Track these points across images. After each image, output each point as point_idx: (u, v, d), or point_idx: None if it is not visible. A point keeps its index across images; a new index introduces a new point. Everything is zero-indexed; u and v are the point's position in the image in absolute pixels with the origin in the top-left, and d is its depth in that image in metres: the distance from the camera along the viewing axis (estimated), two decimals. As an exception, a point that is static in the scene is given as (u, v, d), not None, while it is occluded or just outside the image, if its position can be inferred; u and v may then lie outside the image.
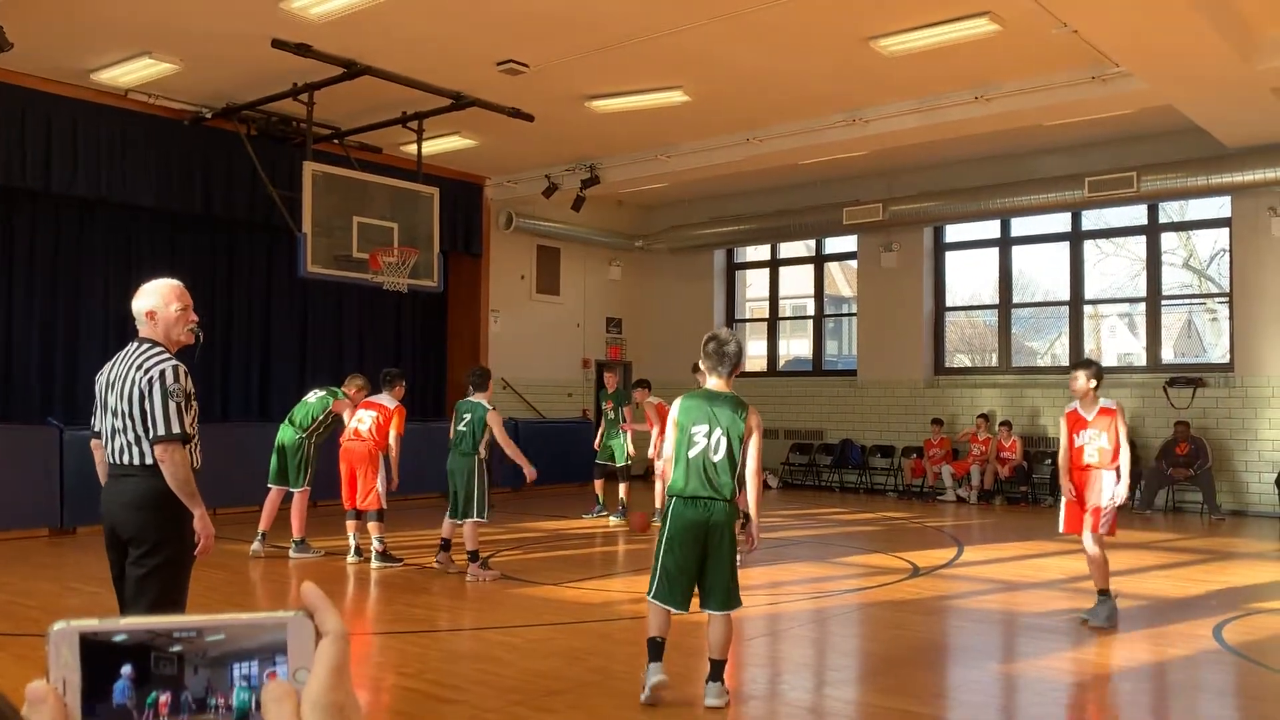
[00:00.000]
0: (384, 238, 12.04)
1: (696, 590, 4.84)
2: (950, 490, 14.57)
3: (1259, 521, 12.39)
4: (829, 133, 12.51)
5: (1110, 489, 6.56)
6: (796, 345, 20.29)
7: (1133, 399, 13.92)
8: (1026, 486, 14.21)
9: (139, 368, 3.83)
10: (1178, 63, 9.46)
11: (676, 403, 5.04)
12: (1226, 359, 13.59)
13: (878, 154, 13.89)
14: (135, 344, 3.93)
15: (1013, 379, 15.16)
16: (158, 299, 3.92)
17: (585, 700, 4.96)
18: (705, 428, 4.81)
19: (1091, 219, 14.98)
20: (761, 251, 18.34)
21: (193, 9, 9.27)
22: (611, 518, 11.78)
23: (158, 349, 3.88)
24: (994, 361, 16.06)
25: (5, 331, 11.71)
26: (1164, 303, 14.57)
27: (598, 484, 12.30)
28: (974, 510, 13.41)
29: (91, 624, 0.65)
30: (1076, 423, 6.70)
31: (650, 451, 11.14)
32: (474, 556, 8.13)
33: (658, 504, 10.00)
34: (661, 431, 9.46)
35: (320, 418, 9.29)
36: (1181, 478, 12.82)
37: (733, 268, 18.59)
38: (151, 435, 3.79)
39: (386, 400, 8.95)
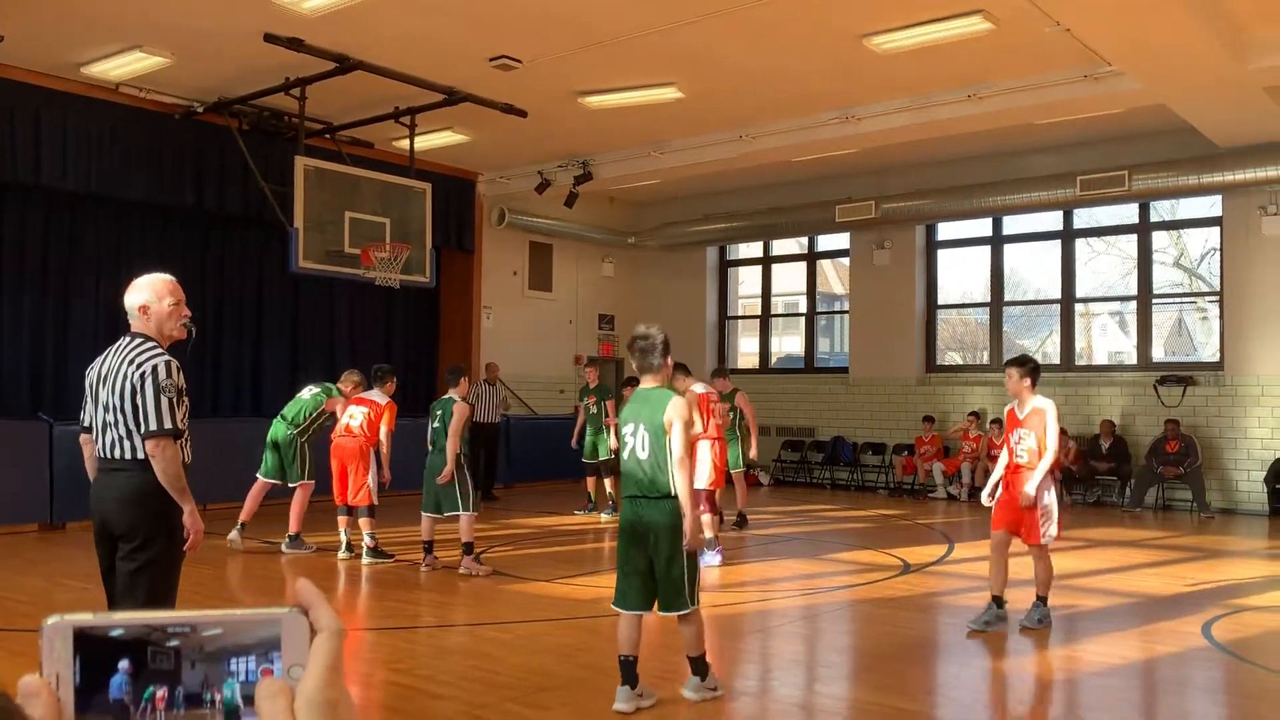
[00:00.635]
0: (376, 233, 12.02)
1: None
2: (941, 488, 14.60)
3: (1248, 519, 12.45)
4: (822, 130, 12.52)
5: (1043, 494, 6.29)
6: (789, 342, 20.33)
7: (1123, 397, 13.98)
8: (1017, 484, 14.23)
9: (131, 362, 3.82)
10: (1169, 62, 9.49)
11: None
12: (1216, 357, 13.64)
13: (870, 152, 13.90)
14: (127, 338, 3.92)
15: (1003, 377, 15.17)
16: (151, 294, 3.91)
17: (576, 696, 4.97)
18: (631, 426, 4.78)
19: (1083, 217, 15.02)
20: (754, 249, 18.35)
21: (184, 2, 9.23)
22: (603, 514, 11.79)
23: (150, 344, 3.87)
24: (985, 359, 16.10)
25: (-5, 326, 11.67)
26: (1155, 301, 14.61)
27: (589, 481, 12.31)
28: (964, 508, 13.43)
29: (85, 618, 0.65)
30: (1012, 422, 6.53)
31: None
32: (468, 549, 8.13)
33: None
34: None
35: (313, 414, 9.28)
36: (1171, 476, 12.87)
37: (725, 265, 18.59)
38: (143, 430, 3.78)
39: (377, 396, 8.94)
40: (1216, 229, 13.74)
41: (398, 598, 7.43)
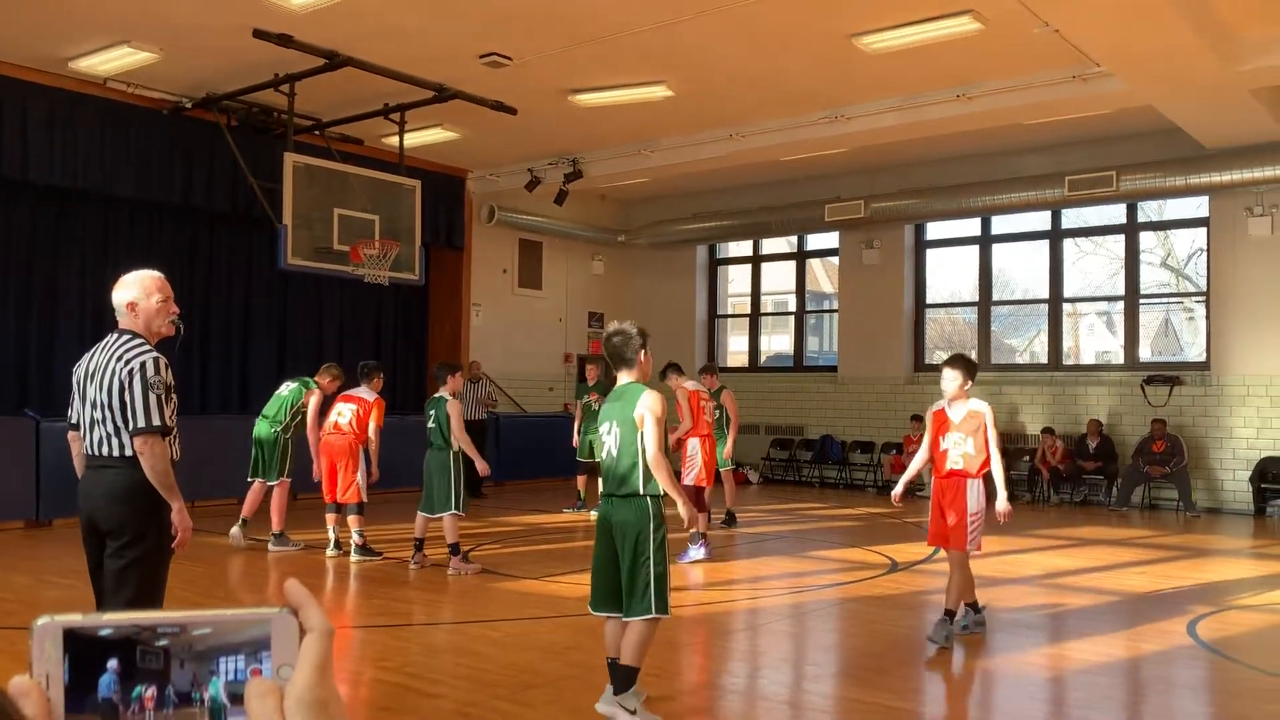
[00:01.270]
0: (365, 230, 11.99)
1: None
2: (928, 486, 14.61)
3: (1233, 519, 12.52)
4: (811, 129, 12.53)
5: (975, 500, 5.91)
6: (778, 341, 20.34)
7: (1110, 396, 14.04)
8: (1004, 483, 14.29)
9: (119, 359, 3.81)
10: (1157, 63, 9.53)
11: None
12: (1203, 357, 13.71)
13: (860, 151, 13.92)
14: (115, 335, 3.90)
15: (991, 376, 15.23)
16: (139, 290, 3.89)
17: (565, 694, 4.97)
18: (607, 425, 4.68)
19: (1071, 218, 15.08)
20: (744, 247, 18.37)
21: (173, -2, 9.19)
22: (592, 512, 11.76)
23: (138, 340, 3.86)
24: (973, 359, 16.12)
25: (-19, 322, 11.61)
26: (1142, 301, 14.68)
27: (580, 479, 12.30)
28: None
29: (75, 619, 0.66)
30: (942, 424, 6.08)
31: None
32: (455, 549, 8.12)
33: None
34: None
35: (293, 410, 9.26)
36: (1158, 475, 12.93)
37: (715, 263, 18.61)
38: (131, 427, 3.77)
39: (365, 393, 8.92)
40: (1203, 230, 13.81)
41: (387, 595, 7.42)
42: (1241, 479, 12.91)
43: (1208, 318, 13.54)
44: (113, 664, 0.65)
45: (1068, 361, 15.46)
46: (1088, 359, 18.41)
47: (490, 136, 13.58)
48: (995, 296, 16.11)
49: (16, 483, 10.17)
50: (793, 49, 10.22)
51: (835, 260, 17.32)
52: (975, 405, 6.06)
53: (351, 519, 8.68)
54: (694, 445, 9.56)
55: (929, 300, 16.33)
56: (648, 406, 4.52)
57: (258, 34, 9.58)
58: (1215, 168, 12.43)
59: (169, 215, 12.92)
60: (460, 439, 8.18)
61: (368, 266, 11.87)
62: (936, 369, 17.45)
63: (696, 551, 8.68)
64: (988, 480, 6.00)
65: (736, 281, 19.38)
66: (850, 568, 8.77)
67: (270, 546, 9.09)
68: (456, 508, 8.11)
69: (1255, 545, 10.69)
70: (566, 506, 12.31)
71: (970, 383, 6.07)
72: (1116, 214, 14.53)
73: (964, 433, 5.97)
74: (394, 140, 12.67)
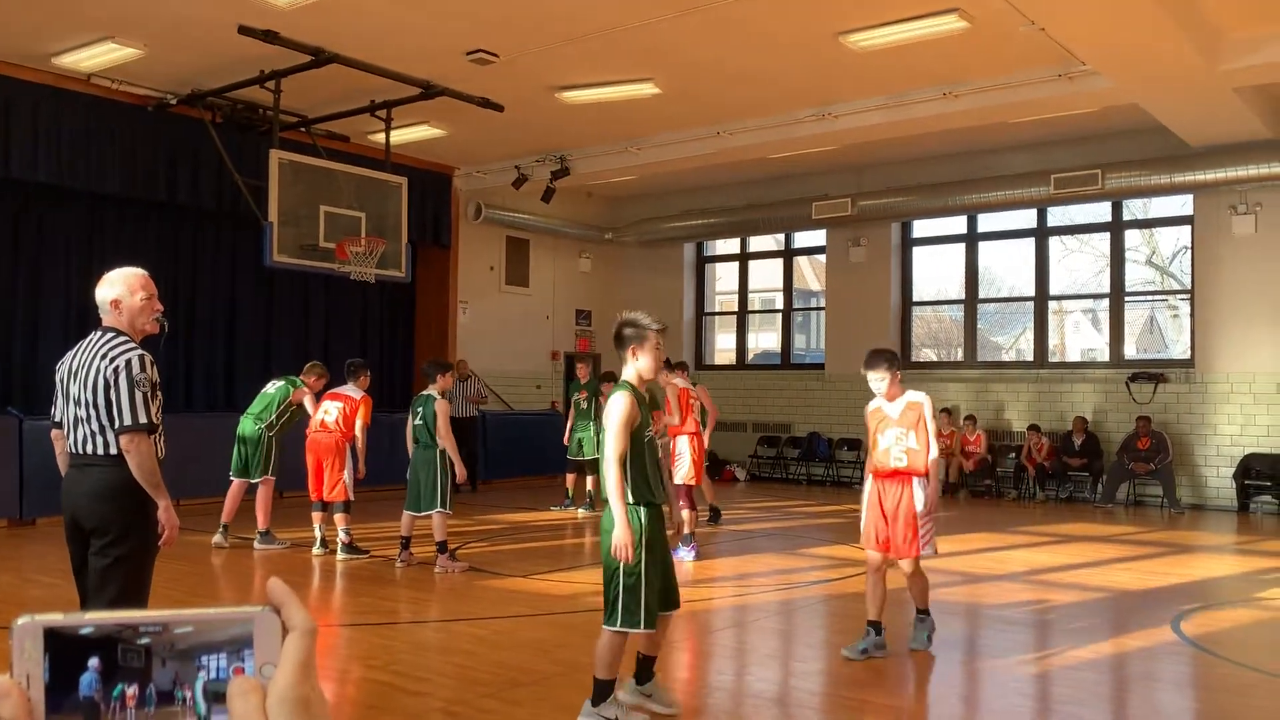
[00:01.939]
0: (351, 227, 11.95)
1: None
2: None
3: (1217, 515, 12.60)
4: (798, 127, 12.55)
5: (923, 500, 5.57)
6: (765, 339, 20.37)
7: (1095, 394, 14.11)
8: (990, 480, 14.37)
9: (104, 357, 3.78)
10: (1143, 62, 9.58)
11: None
12: (1187, 355, 13.79)
13: (846, 149, 13.95)
14: (99, 333, 3.88)
15: (978, 373, 15.30)
16: (123, 288, 3.87)
17: (552, 692, 4.97)
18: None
19: (1057, 216, 15.14)
20: (731, 245, 18.38)
21: (158, -6, 9.14)
22: (579, 510, 11.78)
23: (122, 338, 3.84)
24: (959, 356, 16.20)
25: (-36, 319, 11.53)
26: (1127, 299, 14.76)
27: (568, 477, 12.28)
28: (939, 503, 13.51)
29: (56, 618, 0.65)
30: (881, 420, 5.67)
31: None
32: (442, 548, 8.11)
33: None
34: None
35: (280, 408, 9.22)
36: (1142, 472, 13.01)
37: (702, 261, 18.62)
38: (117, 425, 3.75)
39: (352, 391, 8.90)
40: (1188, 228, 13.89)
41: (373, 593, 7.40)
42: (1225, 476, 12.99)
43: (1192, 315, 13.61)
44: (94, 662, 0.65)
45: (1053, 359, 15.53)
46: (1073, 356, 18.51)
47: (477, 133, 13.55)
48: (981, 294, 16.17)
49: (0, 481, 10.10)
50: (780, 47, 10.23)
51: (822, 258, 17.35)
52: (913, 396, 5.63)
53: (338, 517, 8.66)
54: (683, 443, 9.55)
55: (915, 298, 16.38)
56: (606, 412, 4.34)
57: (243, 30, 9.53)
58: (1200, 166, 12.50)
59: (154, 212, 12.85)
60: (445, 440, 8.15)
61: (354, 264, 11.83)
62: (922, 366, 17.43)
63: (686, 553, 8.65)
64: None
65: (724, 279, 19.40)
66: (837, 564, 8.79)
67: (256, 545, 9.06)
68: (443, 506, 8.09)
69: (1239, 541, 10.77)
70: (554, 504, 12.30)
71: (899, 373, 5.63)
72: (1102, 212, 14.59)
73: (904, 427, 5.56)
74: (380, 137, 12.63)
